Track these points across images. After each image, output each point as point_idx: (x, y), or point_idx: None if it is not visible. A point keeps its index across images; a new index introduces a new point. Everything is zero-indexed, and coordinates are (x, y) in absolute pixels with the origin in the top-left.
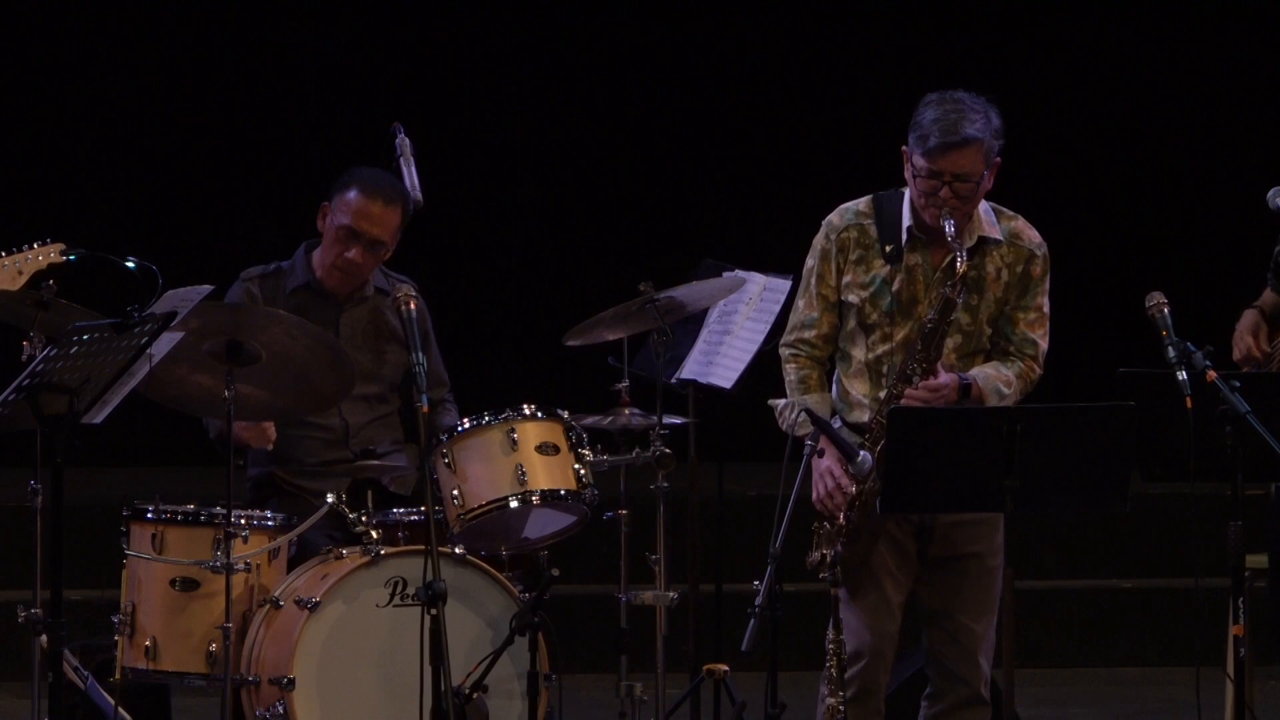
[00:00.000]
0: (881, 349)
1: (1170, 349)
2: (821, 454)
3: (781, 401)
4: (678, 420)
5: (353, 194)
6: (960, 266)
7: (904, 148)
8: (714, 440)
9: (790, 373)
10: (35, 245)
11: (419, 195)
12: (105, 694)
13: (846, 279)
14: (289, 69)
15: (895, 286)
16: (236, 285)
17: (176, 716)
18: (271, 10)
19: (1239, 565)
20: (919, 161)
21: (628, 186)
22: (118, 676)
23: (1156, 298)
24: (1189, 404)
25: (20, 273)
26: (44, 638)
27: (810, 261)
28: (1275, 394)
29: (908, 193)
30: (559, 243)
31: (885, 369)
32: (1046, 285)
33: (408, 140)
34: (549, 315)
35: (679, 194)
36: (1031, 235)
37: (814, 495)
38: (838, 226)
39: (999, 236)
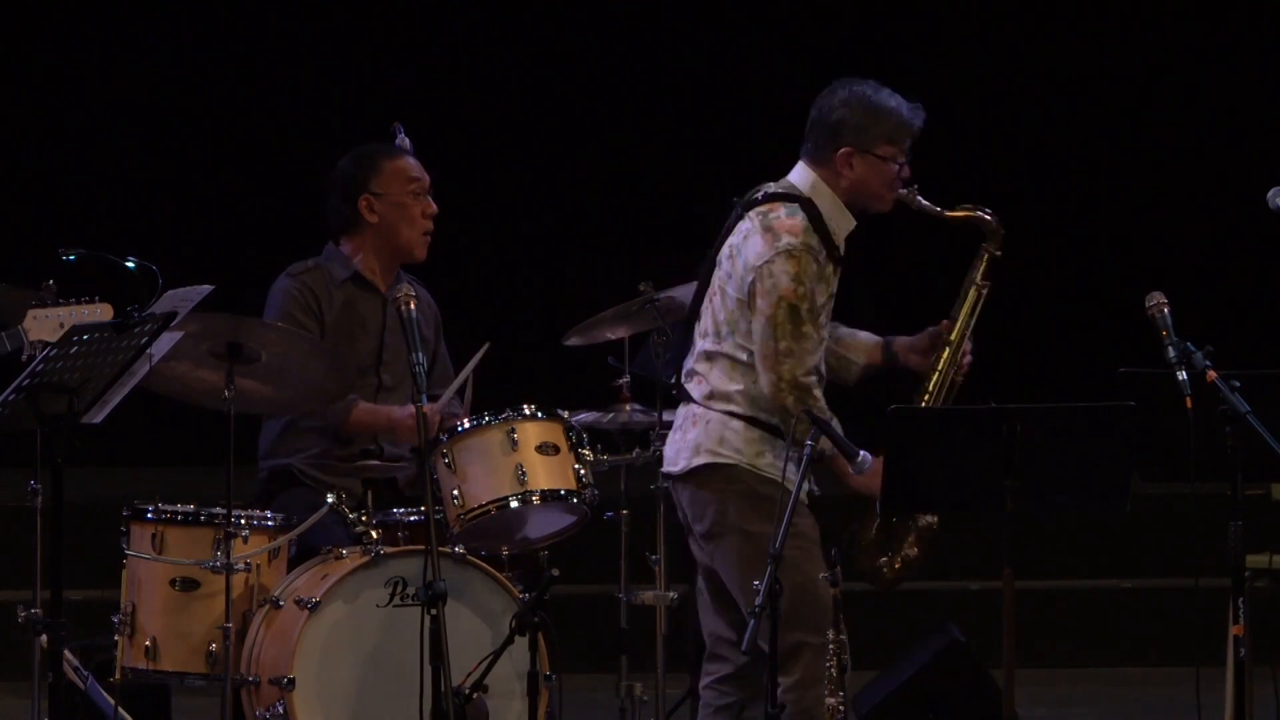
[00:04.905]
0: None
1: (1170, 349)
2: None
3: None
4: None
5: (392, 162)
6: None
7: (846, 150)
8: None
9: (819, 398)
10: (83, 301)
11: None
12: (105, 694)
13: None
14: (289, 69)
15: (835, 289)
16: (284, 279)
17: (176, 716)
18: (272, 10)
19: (1239, 565)
20: (890, 151)
21: (628, 186)
22: (118, 676)
23: (1156, 298)
24: (1189, 404)
25: (61, 325)
26: (44, 638)
27: (802, 288)
28: (1275, 394)
29: (820, 199)
30: (559, 243)
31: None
32: None
33: (408, 140)
34: (549, 315)
35: (679, 194)
36: None
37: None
38: (815, 247)
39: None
